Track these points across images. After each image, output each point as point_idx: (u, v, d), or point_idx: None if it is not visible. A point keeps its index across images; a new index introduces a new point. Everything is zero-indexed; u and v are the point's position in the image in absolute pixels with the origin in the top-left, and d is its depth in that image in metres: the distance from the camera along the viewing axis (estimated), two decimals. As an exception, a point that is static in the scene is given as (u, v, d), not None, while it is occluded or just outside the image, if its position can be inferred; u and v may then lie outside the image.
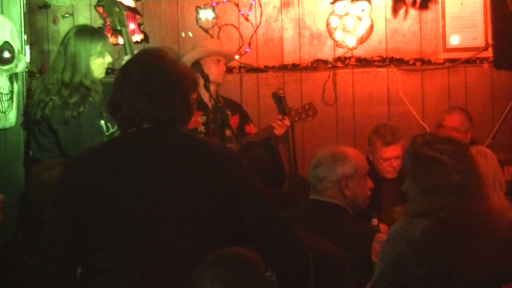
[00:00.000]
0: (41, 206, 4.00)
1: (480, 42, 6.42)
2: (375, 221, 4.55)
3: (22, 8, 5.49)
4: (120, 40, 6.05)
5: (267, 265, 2.53)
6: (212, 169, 2.71)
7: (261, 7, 6.31)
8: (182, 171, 2.70)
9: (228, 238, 2.71)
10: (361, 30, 6.34)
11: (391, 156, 5.39)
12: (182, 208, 2.67)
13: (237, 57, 6.23)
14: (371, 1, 6.31)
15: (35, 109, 4.80)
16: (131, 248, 2.64)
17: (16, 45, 5.39)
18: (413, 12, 6.41)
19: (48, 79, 4.82)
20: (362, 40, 6.36)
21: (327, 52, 6.39)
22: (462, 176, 3.17)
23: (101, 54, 4.83)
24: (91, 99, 4.78)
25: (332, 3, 6.32)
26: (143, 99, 2.76)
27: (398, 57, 6.40)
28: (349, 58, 6.37)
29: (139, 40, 6.13)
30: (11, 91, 5.41)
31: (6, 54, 5.36)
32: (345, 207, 3.86)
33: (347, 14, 6.32)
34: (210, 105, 5.56)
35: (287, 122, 5.85)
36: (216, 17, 6.27)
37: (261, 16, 6.32)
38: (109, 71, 5.99)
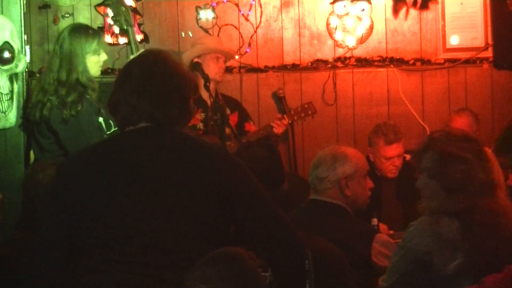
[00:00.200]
0: (36, 206, 4.00)
1: (480, 42, 6.42)
2: (375, 221, 4.56)
3: (22, 8, 5.49)
4: (121, 40, 6.06)
5: (263, 263, 2.53)
6: (206, 169, 2.70)
7: (261, 7, 6.31)
8: (175, 171, 2.70)
9: (223, 239, 2.70)
10: (361, 30, 6.34)
11: (393, 155, 5.41)
12: (174, 208, 2.67)
13: (237, 57, 6.23)
14: (371, 1, 6.31)
15: (33, 110, 4.80)
16: (121, 248, 2.64)
17: (16, 45, 5.39)
18: (413, 12, 6.41)
19: (45, 79, 4.82)
20: (362, 40, 6.36)
21: (327, 52, 6.39)
22: (486, 174, 3.18)
23: (96, 52, 4.82)
24: (88, 97, 4.78)
25: (332, 3, 6.32)
26: (142, 98, 2.76)
27: (398, 57, 6.40)
28: (349, 58, 6.37)
29: (139, 40, 6.13)
30: (11, 91, 5.41)
31: (6, 54, 5.36)
32: (345, 207, 3.86)
33: (347, 14, 6.32)
34: (209, 103, 5.55)
35: (286, 121, 5.85)
36: (216, 17, 6.28)
37: (261, 16, 6.32)
38: (109, 71, 6.01)
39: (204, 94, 5.60)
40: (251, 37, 6.32)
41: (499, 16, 6.32)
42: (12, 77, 5.42)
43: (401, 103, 6.40)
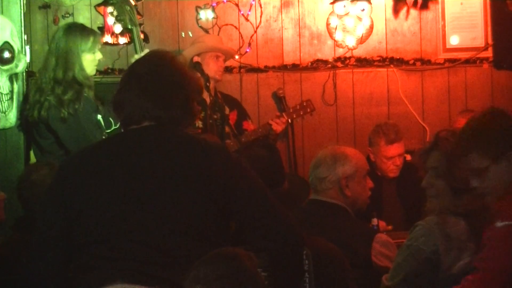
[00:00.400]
0: (31, 206, 4.01)
1: (480, 42, 6.42)
2: (375, 221, 4.56)
3: (22, 8, 5.49)
4: (121, 40, 6.06)
5: (262, 263, 2.54)
6: (207, 168, 2.71)
7: (261, 7, 6.31)
8: (175, 169, 2.71)
9: (222, 238, 2.71)
10: (361, 30, 6.34)
11: (394, 154, 5.41)
12: (171, 206, 2.67)
13: (237, 57, 6.23)
14: (371, 1, 6.31)
15: (31, 111, 4.80)
16: (114, 245, 2.65)
17: (16, 45, 5.39)
18: (413, 12, 6.41)
19: (41, 79, 4.83)
20: (362, 40, 6.36)
21: (327, 52, 6.38)
22: None
23: (91, 50, 4.83)
24: (85, 95, 4.78)
25: (332, 3, 6.32)
26: (146, 97, 2.78)
27: (398, 57, 6.40)
28: (349, 58, 6.37)
29: (139, 40, 6.13)
30: (11, 91, 5.41)
31: (6, 54, 5.36)
32: (345, 207, 3.86)
33: (347, 14, 6.32)
34: (208, 101, 5.55)
35: (284, 119, 5.85)
36: (216, 17, 6.27)
37: (261, 16, 6.32)
38: (109, 71, 6.02)
39: (204, 93, 5.60)
40: (251, 37, 6.32)
41: (499, 16, 6.32)
42: (12, 77, 5.42)
43: (401, 103, 6.40)
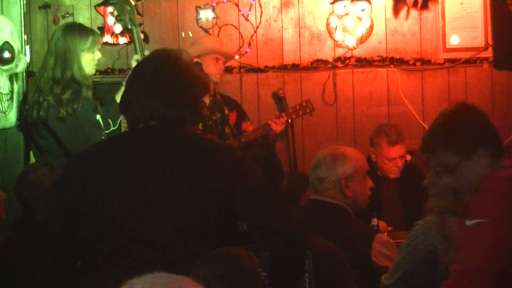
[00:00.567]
0: (31, 206, 4.01)
1: (480, 42, 6.42)
2: (375, 221, 4.56)
3: (22, 8, 5.49)
4: (121, 40, 6.06)
5: (262, 263, 2.54)
6: (210, 167, 2.71)
7: (261, 7, 6.31)
8: (177, 169, 2.71)
9: (223, 237, 2.71)
10: (361, 30, 6.34)
11: (396, 156, 5.41)
12: (172, 205, 2.68)
13: (237, 57, 6.23)
14: (371, 1, 6.31)
15: (30, 111, 4.80)
16: (116, 244, 2.66)
17: (16, 45, 5.39)
18: (413, 12, 6.41)
19: (40, 78, 4.83)
20: (362, 40, 6.36)
21: (327, 52, 6.39)
22: None
23: (90, 50, 4.83)
24: (84, 95, 4.78)
25: (332, 3, 6.32)
26: (152, 96, 2.79)
27: (398, 57, 6.40)
28: (349, 58, 6.37)
29: (139, 40, 6.13)
30: (11, 91, 5.41)
31: (6, 54, 5.36)
32: (345, 207, 3.86)
33: (347, 14, 6.32)
34: (208, 102, 5.55)
35: (283, 119, 5.85)
36: (216, 17, 6.27)
37: (261, 16, 6.32)
38: (109, 71, 6.02)
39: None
40: (251, 37, 6.32)
41: (499, 16, 6.31)
42: (12, 77, 5.42)
43: (401, 103, 6.40)
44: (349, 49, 6.36)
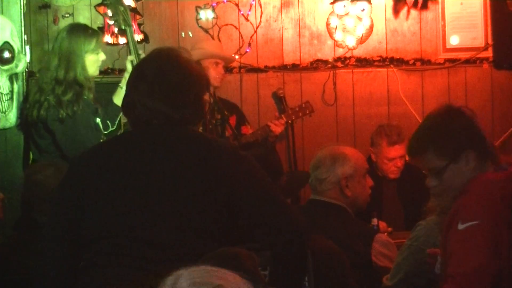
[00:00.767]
0: (35, 206, 4.01)
1: (480, 42, 6.42)
2: (375, 221, 4.57)
3: (22, 8, 5.49)
4: (121, 40, 6.06)
5: (262, 262, 2.54)
6: (213, 166, 2.72)
7: (261, 7, 6.31)
8: (180, 167, 2.72)
9: (225, 236, 2.71)
10: (361, 30, 6.34)
11: (396, 156, 5.41)
12: (175, 204, 2.68)
13: (237, 57, 6.23)
14: (371, 1, 6.31)
15: (31, 110, 4.80)
16: (118, 242, 2.66)
17: (16, 45, 5.39)
18: (413, 12, 6.41)
19: (42, 78, 4.82)
20: (362, 40, 6.36)
21: (327, 52, 6.39)
22: None
23: (95, 51, 4.83)
24: (85, 97, 4.78)
25: (332, 3, 6.32)
26: (158, 98, 2.79)
27: (398, 57, 6.40)
28: (349, 58, 6.37)
29: (139, 40, 6.13)
30: (11, 91, 5.41)
31: (6, 54, 5.36)
32: (345, 207, 3.86)
33: (347, 14, 6.32)
34: (208, 106, 5.55)
35: (283, 120, 5.85)
36: (216, 17, 6.27)
37: (261, 16, 6.32)
38: (109, 71, 6.02)
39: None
40: (251, 37, 6.32)
41: (499, 16, 6.32)
42: (12, 77, 5.43)
43: (401, 103, 6.40)
44: (349, 49, 6.36)
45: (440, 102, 6.34)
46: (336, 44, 6.37)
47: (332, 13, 6.33)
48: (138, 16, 6.15)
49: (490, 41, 6.40)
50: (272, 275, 2.74)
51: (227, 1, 6.29)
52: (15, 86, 5.43)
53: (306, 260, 2.87)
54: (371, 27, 6.36)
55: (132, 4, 6.07)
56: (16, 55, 5.38)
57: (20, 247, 3.82)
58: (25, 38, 5.53)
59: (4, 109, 5.36)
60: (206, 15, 6.27)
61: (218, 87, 5.80)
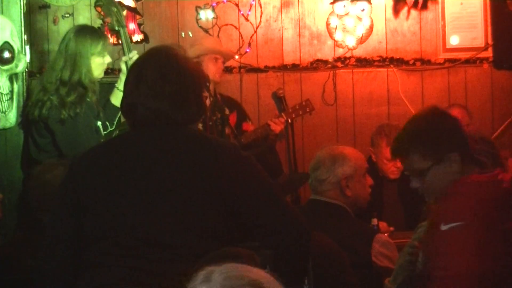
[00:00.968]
0: (43, 206, 4.00)
1: (480, 42, 6.42)
2: (375, 221, 4.56)
3: (22, 8, 5.50)
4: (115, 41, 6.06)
5: (263, 262, 2.54)
6: (214, 166, 2.72)
7: (261, 7, 6.31)
8: (182, 168, 2.72)
9: (226, 235, 2.71)
10: (361, 30, 6.34)
11: (396, 156, 5.40)
12: (176, 204, 2.69)
13: (237, 57, 6.23)
14: (371, 1, 6.31)
15: (32, 109, 4.80)
16: (119, 242, 2.66)
17: (16, 45, 5.39)
18: (413, 12, 6.41)
19: (47, 78, 4.82)
20: (362, 40, 6.36)
21: (327, 52, 6.38)
22: None
23: (101, 54, 4.83)
24: (88, 99, 4.78)
25: (332, 3, 6.32)
26: (161, 99, 2.78)
27: (398, 57, 6.40)
28: (349, 58, 6.37)
29: (139, 40, 6.14)
30: (11, 91, 5.41)
31: (6, 54, 5.36)
32: (345, 207, 3.86)
33: (347, 14, 6.32)
34: (208, 103, 5.55)
35: (283, 119, 5.85)
36: (216, 17, 6.27)
37: (261, 16, 6.31)
38: (109, 71, 6.01)
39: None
40: (251, 37, 6.32)
41: (499, 16, 6.32)
42: (12, 77, 5.43)
43: (401, 103, 6.39)
44: (349, 49, 6.36)
45: (440, 102, 6.40)
46: (336, 44, 6.37)
47: (332, 13, 6.33)
48: (138, 16, 6.15)
49: (490, 41, 6.40)
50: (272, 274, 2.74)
51: (227, 1, 6.29)
52: (15, 86, 5.43)
53: (308, 261, 2.87)
54: (371, 27, 6.36)
55: (132, 4, 6.08)
56: (16, 55, 5.38)
57: (24, 247, 3.81)
58: (25, 38, 5.53)
59: (4, 109, 5.37)
60: (206, 15, 6.27)
61: (218, 82, 5.80)
